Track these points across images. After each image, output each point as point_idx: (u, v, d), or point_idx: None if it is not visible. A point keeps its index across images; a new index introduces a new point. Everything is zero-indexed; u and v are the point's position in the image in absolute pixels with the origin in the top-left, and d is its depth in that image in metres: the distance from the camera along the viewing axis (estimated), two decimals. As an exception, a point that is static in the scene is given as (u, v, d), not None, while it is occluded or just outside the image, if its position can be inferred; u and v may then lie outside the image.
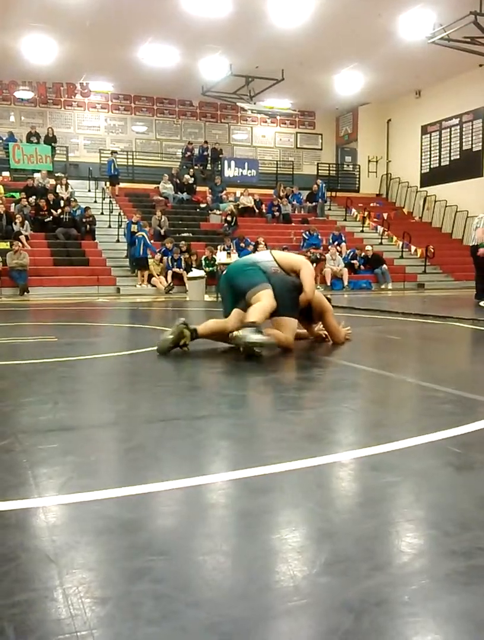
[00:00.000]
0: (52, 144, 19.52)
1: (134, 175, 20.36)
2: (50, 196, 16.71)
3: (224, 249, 15.00)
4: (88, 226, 16.56)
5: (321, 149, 24.41)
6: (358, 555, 1.31)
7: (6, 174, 18.43)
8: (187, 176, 19.82)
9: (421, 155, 21.75)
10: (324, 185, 20.73)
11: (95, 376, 3.74)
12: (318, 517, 1.53)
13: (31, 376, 3.56)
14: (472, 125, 19.70)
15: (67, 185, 18.01)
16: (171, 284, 14.97)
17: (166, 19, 14.90)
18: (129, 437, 2.30)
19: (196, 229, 17.97)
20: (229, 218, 17.84)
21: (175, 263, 15.37)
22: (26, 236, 15.25)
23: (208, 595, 1.16)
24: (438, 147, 21.10)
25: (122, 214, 17.42)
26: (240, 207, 19.09)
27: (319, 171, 22.66)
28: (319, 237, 17.80)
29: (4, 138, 19.49)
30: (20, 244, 14.41)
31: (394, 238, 19.31)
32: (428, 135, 21.46)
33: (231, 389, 3.28)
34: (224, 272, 4.68)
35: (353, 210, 21.04)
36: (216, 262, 14.70)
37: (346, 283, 16.17)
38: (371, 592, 1.17)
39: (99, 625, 1.06)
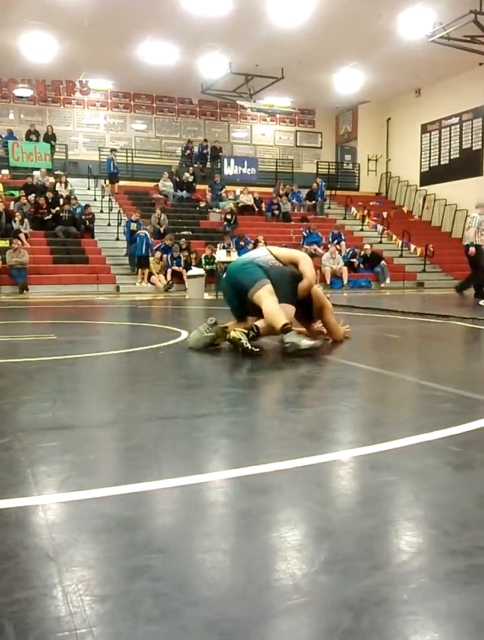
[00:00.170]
0: (52, 142, 19.50)
1: (133, 173, 20.34)
2: (50, 194, 16.70)
3: (223, 247, 14.98)
4: (87, 224, 16.54)
5: (320, 148, 24.40)
6: (358, 554, 1.31)
7: (5, 171, 18.41)
8: (186, 174, 19.81)
9: (421, 154, 21.74)
10: (323, 183, 20.72)
11: (94, 374, 3.74)
12: (317, 515, 1.53)
13: (30, 374, 3.56)
14: (472, 124, 19.68)
15: (66, 183, 17.99)
16: (170, 282, 14.96)
17: (166, 17, 14.88)
18: (128, 435, 2.30)
19: (195, 227, 17.96)
20: (228, 216, 17.84)
21: (174, 261, 15.36)
22: (26, 234, 15.23)
23: (207, 594, 1.16)
24: (437, 146, 21.09)
25: (121, 212, 17.41)
26: (239, 205, 19.09)
27: (319, 169, 22.66)
28: (320, 235, 17.80)
29: (3, 136, 19.45)
30: (19, 242, 14.39)
31: (394, 237, 19.31)
32: (428, 134, 21.45)
33: (230, 387, 3.28)
34: (225, 274, 4.71)
35: (353, 208, 21.03)
36: (216, 261, 14.69)
37: (345, 282, 16.17)
38: (370, 590, 1.17)
39: (98, 623, 1.06)
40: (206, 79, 18.89)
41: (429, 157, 21.46)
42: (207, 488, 1.73)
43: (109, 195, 18.37)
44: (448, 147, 20.64)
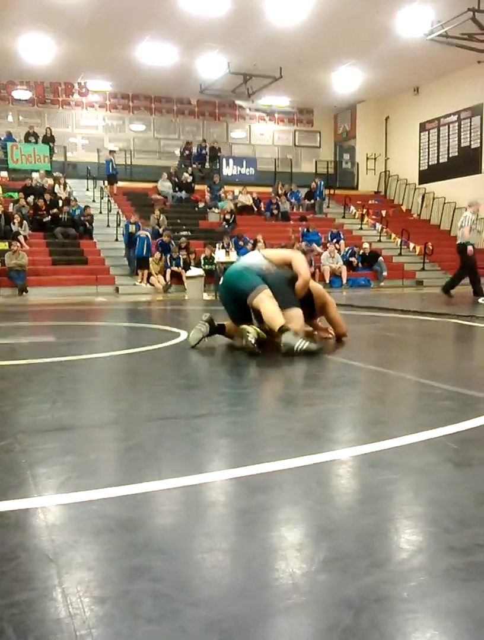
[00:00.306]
0: (50, 144, 19.51)
1: (132, 174, 20.35)
2: (49, 196, 16.70)
3: (222, 247, 14.99)
4: (87, 225, 16.54)
5: (319, 147, 24.40)
6: (357, 552, 1.31)
7: (4, 174, 18.42)
8: (185, 175, 19.82)
9: (420, 152, 21.74)
10: (322, 182, 20.73)
11: (94, 376, 3.74)
12: (317, 514, 1.53)
13: (30, 376, 3.56)
14: (470, 122, 19.68)
15: (65, 184, 18.00)
16: (169, 283, 14.96)
17: (164, 17, 14.88)
18: (128, 436, 2.30)
19: (194, 228, 17.96)
20: (227, 216, 17.83)
21: (173, 262, 15.36)
22: (25, 236, 15.24)
23: (207, 594, 1.16)
24: (436, 144, 21.09)
25: (120, 213, 17.41)
26: (238, 205, 19.09)
27: (318, 169, 22.66)
28: (319, 234, 17.81)
29: (2, 138, 19.46)
30: (18, 244, 14.40)
31: (393, 235, 19.32)
32: (426, 132, 21.45)
33: (230, 387, 3.28)
34: (221, 281, 4.72)
35: (352, 207, 21.03)
36: (215, 261, 14.69)
37: (344, 281, 16.18)
38: (370, 589, 1.17)
39: (98, 624, 1.06)
40: (205, 79, 18.90)
41: (428, 155, 21.47)
42: (207, 488, 1.73)
43: (108, 197, 18.37)
44: (447, 145, 20.64)
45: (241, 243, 16.21)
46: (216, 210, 18.68)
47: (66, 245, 16.00)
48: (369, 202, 21.83)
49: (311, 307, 4.64)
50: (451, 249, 18.14)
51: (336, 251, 16.66)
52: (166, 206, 18.47)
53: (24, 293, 13.68)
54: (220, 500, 1.66)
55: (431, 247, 18.05)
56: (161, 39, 16.50)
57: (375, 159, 23.34)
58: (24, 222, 15.70)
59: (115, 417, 2.59)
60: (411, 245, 18.83)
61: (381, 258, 17.03)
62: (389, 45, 16.59)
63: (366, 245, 17.37)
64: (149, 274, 15.07)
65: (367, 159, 23.32)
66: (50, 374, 3.62)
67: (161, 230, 16.58)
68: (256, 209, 19.55)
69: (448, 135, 20.56)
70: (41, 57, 17.35)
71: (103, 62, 18.12)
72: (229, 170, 20.75)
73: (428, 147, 21.43)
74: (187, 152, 21.37)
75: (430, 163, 21.39)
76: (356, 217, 20.72)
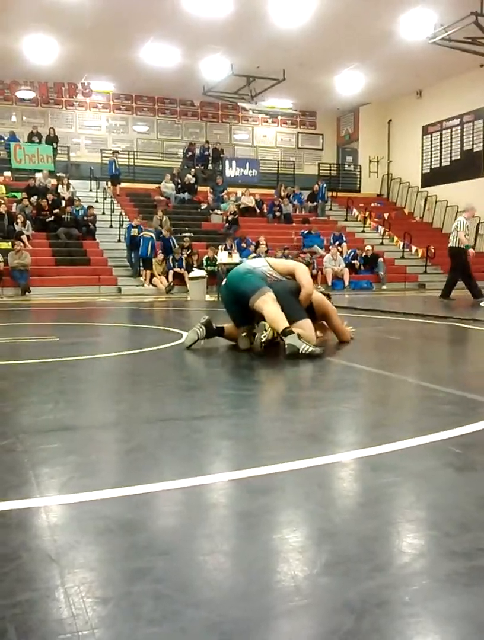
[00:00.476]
0: (54, 144, 19.52)
1: (135, 175, 20.35)
2: (52, 196, 16.72)
3: (225, 249, 15.00)
4: (90, 226, 16.56)
5: (322, 149, 24.41)
6: (359, 555, 1.32)
7: (8, 174, 18.42)
8: (188, 176, 19.82)
9: (422, 156, 21.74)
10: (325, 185, 20.73)
11: (96, 376, 3.74)
12: (319, 517, 1.53)
13: (32, 376, 3.56)
14: (473, 125, 19.68)
15: (68, 185, 18.02)
16: (172, 284, 14.97)
17: (167, 19, 14.90)
18: (129, 437, 2.30)
19: (197, 229, 17.97)
20: (230, 218, 17.84)
21: (176, 263, 15.37)
22: (28, 236, 15.26)
23: (209, 596, 1.16)
24: (438, 148, 21.09)
25: (123, 214, 17.42)
26: (241, 207, 19.10)
27: (320, 171, 22.65)
28: (321, 236, 17.81)
29: (6, 138, 19.49)
30: (21, 244, 14.41)
31: (395, 238, 19.31)
32: (429, 136, 21.45)
33: (231, 388, 3.28)
34: (224, 282, 4.73)
35: (354, 210, 21.03)
36: (217, 262, 14.70)
37: (346, 283, 16.18)
38: (371, 592, 1.17)
39: (100, 625, 1.06)
40: (208, 80, 18.91)
41: (431, 158, 21.46)
42: (209, 490, 1.74)
43: (111, 197, 18.38)
44: (449, 148, 20.63)
45: (243, 245, 16.22)
46: (219, 212, 18.68)
47: (69, 246, 16.01)
48: (372, 205, 21.83)
49: (311, 315, 4.67)
50: (453, 253, 18.23)
51: (338, 254, 16.66)
52: (168, 207, 18.48)
53: (26, 293, 13.69)
54: (221, 502, 1.67)
55: (433, 250, 18.03)
56: (165, 40, 16.52)
57: (378, 161, 23.34)
58: (27, 222, 15.71)
59: (117, 418, 2.60)
60: (414, 248, 18.82)
61: (380, 259, 17.02)
62: (392, 49, 16.60)
63: (368, 248, 17.38)
64: (152, 275, 15.09)
65: (370, 161, 23.32)
66: (53, 374, 3.62)
67: (163, 231, 16.59)
68: (258, 210, 19.55)
69: (451, 138, 20.55)
70: (45, 57, 17.37)
71: (106, 62, 18.15)
72: (231, 171, 20.76)
73: (431, 151, 21.43)
74: (190, 153, 21.37)
75: (433, 166, 21.39)
76: (359, 219, 20.72)
